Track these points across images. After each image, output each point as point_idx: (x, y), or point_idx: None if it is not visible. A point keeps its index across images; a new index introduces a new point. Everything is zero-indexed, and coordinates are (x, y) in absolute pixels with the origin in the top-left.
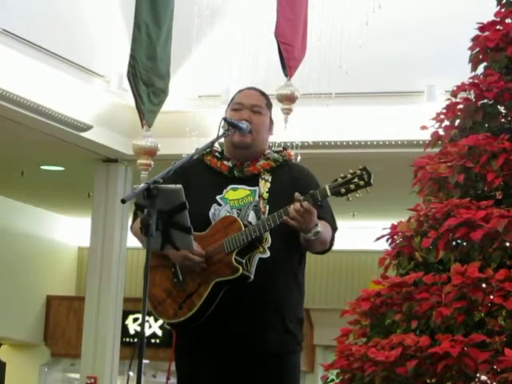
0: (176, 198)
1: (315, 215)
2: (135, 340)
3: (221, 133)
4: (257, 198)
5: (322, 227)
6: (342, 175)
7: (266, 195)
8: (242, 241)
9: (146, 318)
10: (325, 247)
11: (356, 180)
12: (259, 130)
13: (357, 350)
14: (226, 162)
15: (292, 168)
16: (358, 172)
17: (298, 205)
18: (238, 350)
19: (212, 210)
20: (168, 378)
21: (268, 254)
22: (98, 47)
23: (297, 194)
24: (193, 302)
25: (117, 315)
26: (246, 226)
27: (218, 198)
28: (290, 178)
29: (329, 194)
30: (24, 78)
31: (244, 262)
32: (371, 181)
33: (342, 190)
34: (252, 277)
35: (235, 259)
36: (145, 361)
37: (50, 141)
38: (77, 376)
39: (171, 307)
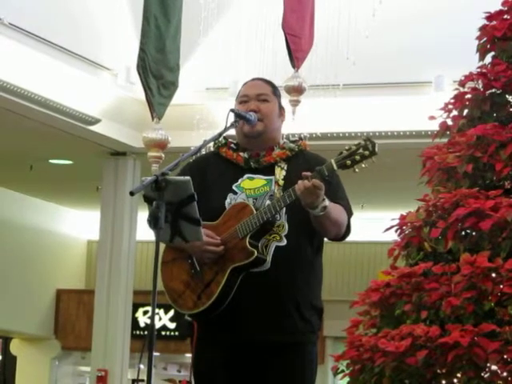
0: (184, 190)
1: (323, 191)
2: (145, 333)
3: (229, 124)
4: (273, 187)
5: (334, 208)
6: (346, 147)
7: (281, 182)
8: (254, 224)
9: (156, 310)
10: (339, 230)
11: (361, 151)
12: (269, 116)
13: (367, 340)
14: (241, 154)
15: (307, 157)
16: (362, 143)
17: (306, 181)
18: (253, 340)
19: (228, 200)
20: (190, 372)
21: (285, 241)
22: (105, 41)
23: (304, 173)
24: (211, 291)
25: (127, 308)
26: (257, 209)
27: (233, 186)
28: (305, 166)
29: (335, 167)
30: (31, 72)
31: (259, 245)
32: (376, 150)
33: (348, 162)
34: (269, 262)
35: (249, 243)
36: (155, 353)
37: (58, 134)
38: (87, 369)
39: (190, 298)
